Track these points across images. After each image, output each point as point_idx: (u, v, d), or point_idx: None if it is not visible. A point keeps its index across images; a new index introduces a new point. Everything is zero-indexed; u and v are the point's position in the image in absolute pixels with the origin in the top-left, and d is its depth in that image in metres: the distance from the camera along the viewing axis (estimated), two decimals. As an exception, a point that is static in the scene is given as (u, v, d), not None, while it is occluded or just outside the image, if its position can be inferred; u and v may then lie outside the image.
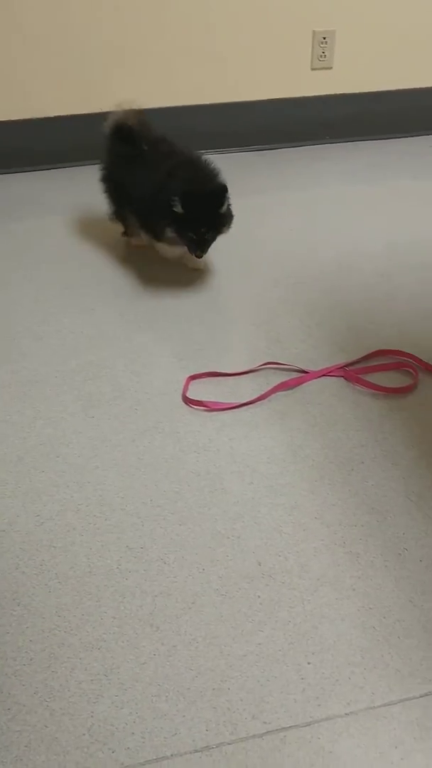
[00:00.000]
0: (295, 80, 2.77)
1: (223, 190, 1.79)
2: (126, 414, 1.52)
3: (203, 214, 1.80)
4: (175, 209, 1.77)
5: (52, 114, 2.64)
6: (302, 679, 1.03)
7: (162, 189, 1.81)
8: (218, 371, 1.63)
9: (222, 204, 1.80)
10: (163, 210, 1.80)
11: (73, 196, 2.50)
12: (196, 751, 0.96)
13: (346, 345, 1.72)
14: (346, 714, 0.99)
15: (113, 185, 2.07)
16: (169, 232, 1.84)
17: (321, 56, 2.74)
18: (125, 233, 2.16)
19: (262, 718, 0.99)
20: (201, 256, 1.88)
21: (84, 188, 2.57)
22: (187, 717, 0.99)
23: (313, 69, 2.77)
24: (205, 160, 1.90)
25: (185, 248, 1.90)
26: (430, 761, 0.94)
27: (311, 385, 1.59)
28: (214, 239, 1.87)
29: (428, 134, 2.98)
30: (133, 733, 0.98)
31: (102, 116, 2.05)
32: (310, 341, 1.74)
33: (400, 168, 2.71)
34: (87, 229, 2.30)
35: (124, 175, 2.00)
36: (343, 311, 1.86)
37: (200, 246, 1.85)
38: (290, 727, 0.98)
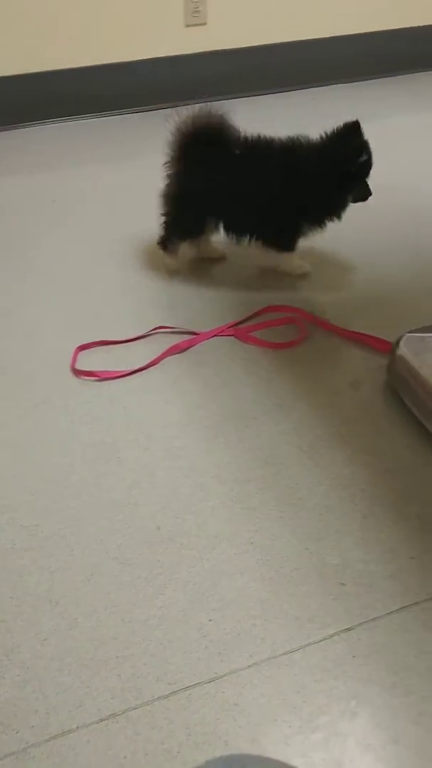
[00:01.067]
0: (168, 38, 2.71)
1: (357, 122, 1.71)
2: (11, 390, 1.48)
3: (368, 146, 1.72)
4: (360, 160, 1.70)
5: None
6: (204, 636, 1.04)
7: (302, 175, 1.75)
8: (108, 339, 1.60)
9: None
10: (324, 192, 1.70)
11: None
12: (101, 720, 0.95)
13: (236, 304, 1.72)
14: (248, 666, 1.00)
15: (190, 199, 1.75)
16: (350, 201, 1.73)
17: (194, 12, 2.70)
18: (166, 246, 1.82)
19: (167, 679, 0.99)
20: None
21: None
22: (92, 688, 0.98)
23: (187, 26, 2.72)
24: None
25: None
26: (331, 701, 0.96)
27: (203, 347, 1.59)
28: None
29: (309, 87, 2.99)
30: (36, 711, 0.96)
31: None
32: (200, 303, 1.73)
33: (284, 123, 2.70)
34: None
35: (215, 185, 1.71)
36: (232, 270, 1.86)
37: None
38: (194, 684, 0.99)
